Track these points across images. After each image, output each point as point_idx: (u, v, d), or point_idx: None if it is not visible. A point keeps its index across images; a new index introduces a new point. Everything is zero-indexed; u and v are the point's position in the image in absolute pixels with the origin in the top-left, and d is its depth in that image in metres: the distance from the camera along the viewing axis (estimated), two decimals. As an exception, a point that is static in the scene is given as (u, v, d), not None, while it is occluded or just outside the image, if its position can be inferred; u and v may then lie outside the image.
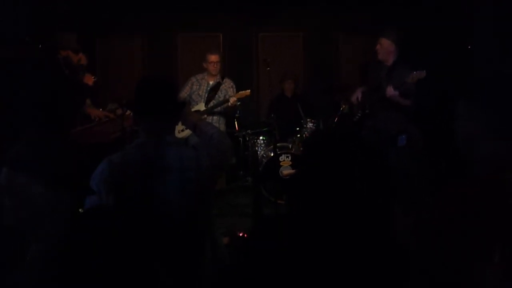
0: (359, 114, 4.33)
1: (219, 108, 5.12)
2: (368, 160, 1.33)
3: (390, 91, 3.88)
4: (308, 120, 5.57)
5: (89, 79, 4.17)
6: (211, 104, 5.12)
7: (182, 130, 4.74)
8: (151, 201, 1.84)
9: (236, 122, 5.59)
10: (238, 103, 5.24)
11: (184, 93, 5.08)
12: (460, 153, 1.37)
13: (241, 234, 3.85)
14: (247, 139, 5.50)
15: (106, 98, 5.28)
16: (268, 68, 4.57)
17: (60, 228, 2.43)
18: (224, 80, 5.23)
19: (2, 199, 2.77)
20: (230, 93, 5.16)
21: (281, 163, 5.10)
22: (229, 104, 4.97)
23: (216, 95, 5.14)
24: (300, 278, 1.28)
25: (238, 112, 5.49)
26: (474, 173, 1.35)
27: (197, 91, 5.15)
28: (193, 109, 4.94)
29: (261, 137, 5.55)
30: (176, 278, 1.88)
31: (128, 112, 4.03)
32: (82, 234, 1.18)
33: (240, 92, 5.04)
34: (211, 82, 5.19)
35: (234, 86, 5.22)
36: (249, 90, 5.05)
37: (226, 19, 6.82)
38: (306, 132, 5.51)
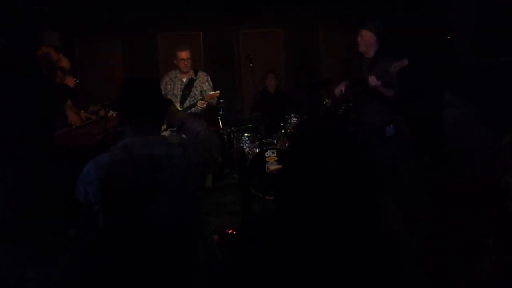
0: (343, 107, 4.35)
1: (192, 110, 4.95)
2: (354, 153, 1.32)
3: (373, 80, 3.90)
4: (292, 115, 5.58)
5: (70, 81, 4.10)
6: (186, 103, 4.98)
7: (165, 129, 4.69)
8: (140, 200, 1.82)
9: (220, 120, 5.57)
10: (221, 100, 5.19)
11: None
12: (447, 141, 1.39)
13: (230, 232, 3.83)
14: (232, 136, 5.48)
15: (87, 100, 5.20)
16: (251, 65, 4.56)
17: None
18: (198, 74, 5.06)
19: None
20: (205, 87, 5.00)
21: (266, 159, 5.10)
22: (199, 107, 4.82)
23: (191, 92, 4.99)
24: (292, 274, 1.28)
25: (221, 109, 5.46)
26: (462, 161, 1.37)
27: (171, 91, 4.98)
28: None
29: (245, 134, 5.54)
30: (171, 279, 1.87)
31: (111, 113, 3.98)
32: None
33: (209, 94, 4.87)
34: (184, 80, 5.02)
35: (209, 80, 5.06)
36: (218, 91, 4.90)
37: (207, 17, 6.78)
38: (290, 128, 5.52)
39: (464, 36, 4.04)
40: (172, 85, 5.02)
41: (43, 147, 2.98)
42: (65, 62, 4.38)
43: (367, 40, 4.10)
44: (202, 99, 4.83)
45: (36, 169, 2.76)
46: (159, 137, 1.94)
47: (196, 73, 5.09)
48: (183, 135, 2.24)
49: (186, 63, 4.95)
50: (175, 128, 2.22)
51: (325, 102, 5.59)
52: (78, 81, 4.08)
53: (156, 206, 1.82)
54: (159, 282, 1.82)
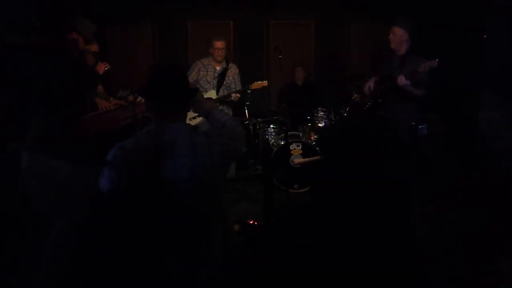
0: (370, 103, 4.29)
1: (228, 99, 5.11)
2: (393, 149, 1.31)
3: (402, 80, 3.84)
4: (319, 109, 5.53)
5: (101, 68, 4.17)
6: (221, 92, 5.11)
7: (194, 118, 4.74)
8: (163, 187, 1.84)
9: (246, 110, 5.58)
10: (249, 91, 5.22)
11: (191, 78, 5.06)
12: (482, 142, 1.35)
13: (251, 222, 3.85)
14: (258, 127, 5.48)
15: (117, 85, 5.28)
16: (280, 56, 4.53)
17: (84, 204, 2.46)
18: (230, 65, 5.22)
19: (28, 184, 2.80)
20: (236, 79, 5.19)
21: (291, 152, 5.08)
22: (232, 99, 5.04)
23: (224, 81, 5.13)
24: (315, 265, 1.27)
25: (248, 100, 5.47)
26: (496, 163, 1.33)
27: (204, 77, 5.13)
28: (204, 96, 4.93)
29: (271, 126, 5.53)
30: (187, 264, 1.89)
31: (140, 98, 4.03)
32: (99, 217, 1.17)
33: (256, 83, 5.03)
34: (217, 68, 5.17)
35: (238, 72, 5.24)
36: (266, 81, 5.05)
37: (237, 6, 6.76)
38: (317, 121, 5.48)
39: (501, 35, 3.92)
40: (206, 72, 5.15)
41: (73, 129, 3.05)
42: (94, 47, 4.46)
43: (399, 37, 4.02)
44: (237, 92, 5.05)
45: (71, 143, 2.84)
46: (183, 124, 1.95)
47: (228, 63, 5.22)
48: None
49: (221, 52, 5.09)
50: None
51: (353, 97, 5.52)
52: (108, 68, 4.15)
53: (176, 191, 1.83)
54: (176, 265, 1.84)
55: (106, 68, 4.18)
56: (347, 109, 5.51)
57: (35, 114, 2.89)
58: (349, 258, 1.27)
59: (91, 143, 2.90)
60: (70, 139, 2.78)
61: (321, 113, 5.51)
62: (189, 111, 2.10)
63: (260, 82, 5.03)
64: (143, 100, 4.09)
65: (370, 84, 4.33)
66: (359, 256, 1.27)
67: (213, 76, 5.15)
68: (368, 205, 1.30)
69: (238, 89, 5.14)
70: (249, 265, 1.41)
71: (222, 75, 5.13)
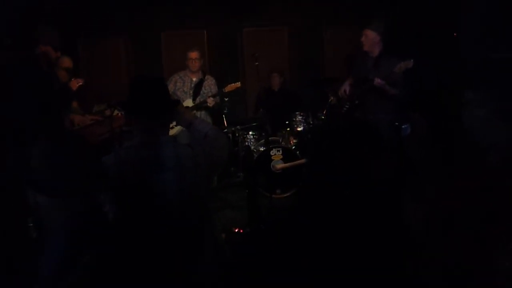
0: (347, 106, 4.34)
1: (205, 105, 5.11)
2: (376, 150, 1.32)
3: (378, 82, 3.92)
4: (296, 113, 5.57)
5: (74, 84, 4.10)
6: (198, 99, 5.11)
7: (171, 128, 4.71)
8: (150, 201, 1.82)
9: (224, 118, 5.57)
10: (226, 98, 5.23)
11: None
12: (468, 139, 1.38)
13: (236, 230, 3.84)
14: (237, 134, 5.48)
15: (91, 100, 5.21)
16: (257, 63, 4.55)
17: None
18: (206, 77, 5.26)
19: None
20: (213, 90, 5.20)
21: (272, 157, 5.10)
22: (208, 104, 5.04)
23: (201, 91, 5.15)
24: (306, 269, 1.27)
25: (226, 108, 5.47)
26: (482, 160, 1.36)
27: (181, 88, 5.17)
28: (181, 106, 4.91)
29: (250, 132, 5.53)
30: (179, 275, 1.87)
31: (116, 113, 3.98)
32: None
33: (230, 85, 5.05)
34: (194, 79, 5.22)
35: (215, 83, 5.26)
36: (239, 82, 5.07)
37: (210, 15, 6.77)
38: (295, 126, 5.51)
39: (472, 32, 4.02)
40: (182, 83, 5.18)
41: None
42: (67, 62, 4.39)
43: (371, 39, 4.10)
44: (212, 96, 5.04)
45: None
46: (167, 137, 1.93)
47: (204, 75, 5.26)
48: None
49: (195, 62, 5.15)
50: None
51: (330, 100, 5.58)
52: (82, 83, 4.09)
53: (163, 205, 1.82)
54: (167, 277, 1.82)
55: (79, 84, 4.12)
56: (324, 112, 5.56)
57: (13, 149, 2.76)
58: (340, 260, 1.27)
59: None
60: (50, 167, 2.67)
61: (299, 117, 5.54)
62: (171, 123, 2.09)
63: (233, 84, 5.06)
64: (119, 114, 4.06)
65: (346, 88, 4.39)
66: (350, 258, 1.28)
67: (189, 86, 5.18)
68: (353, 206, 1.31)
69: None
70: (239, 272, 1.40)
71: (198, 86, 5.16)
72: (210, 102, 5.01)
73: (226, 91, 5.05)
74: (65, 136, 2.62)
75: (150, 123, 1.89)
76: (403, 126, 3.91)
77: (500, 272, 1.15)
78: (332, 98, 5.51)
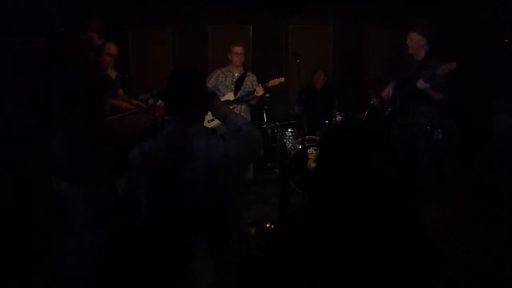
0: (390, 109, 4.27)
1: (247, 99, 5.15)
2: (392, 155, 1.32)
3: (421, 84, 3.82)
4: (337, 113, 5.54)
5: (113, 73, 4.26)
6: (239, 94, 5.16)
7: (212, 120, 4.79)
8: (180, 188, 1.89)
9: (264, 114, 5.61)
10: (267, 95, 5.26)
11: (209, 85, 5.13)
12: (498, 147, 1.36)
13: (268, 225, 3.88)
14: (276, 131, 5.51)
15: (138, 88, 5.38)
16: (298, 60, 4.55)
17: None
18: (248, 73, 5.28)
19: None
20: (254, 85, 5.20)
21: (309, 156, 5.09)
22: (256, 94, 5.00)
23: (242, 86, 5.19)
24: (326, 270, 1.28)
25: (266, 104, 5.50)
26: (510, 168, 1.33)
27: (223, 82, 5.22)
28: (222, 99, 4.99)
29: (289, 129, 5.54)
30: (203, 266, 1.93)
31: (160, 102, 4.10)
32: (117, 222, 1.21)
33: (273, 80, 5.04)
34: (236, 74, 5.25)
35: (256, 80, 5.26)
36: (283, 78, 5.06)
37: (256, 11, 6.82)
38: (336, 125, 5.48)
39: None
40: (224, 77, 5.23)
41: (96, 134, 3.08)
42: (112, 48, 4.55)
43: (416, 42, 4.01)
44: (261, 86, 5.01)
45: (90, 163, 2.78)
46: (200, 127, 1.99)
47: (246, 71, 5.30)
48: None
49: (239, 57, 5.17)
50: None
51: (372, 102, 5.51)
52: (127, 76, 4.23)
53: (193, 193, 1.88)
54: (192, 265, 1.88)
55: (118, 74, 4.26)
56: (365, 113, 5.50)
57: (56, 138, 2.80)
58: (364, 260, 1.28)
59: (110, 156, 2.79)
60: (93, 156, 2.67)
61: (339, 117, 5.51)
62: (206, 115, 2.15)
63: (276, 79, 5.05)
64: (162, 104, 4.18)
65: (390, 90, 4.31)
66: (374, 258, 1.28)
67: (231, 81, 5.22)
68: (375, 208, 1.31)
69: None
70: (265, 267, 1.43)
71: (240, 80, 5.20)
72: (260, 91, 4.97)
73: (269, 85, 5.04)
74: (94, 125, 2.70)
75: (185, 114, 1.96)
76: (435, 130, 3.81)
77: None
78: (374, 99, 5.44)
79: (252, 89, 5.07)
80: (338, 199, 1.30)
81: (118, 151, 2.19)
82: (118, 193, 1.94)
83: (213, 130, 4.62)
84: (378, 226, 1.30)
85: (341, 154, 1.33)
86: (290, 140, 5.47)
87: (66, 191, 2.61)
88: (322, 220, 1.35)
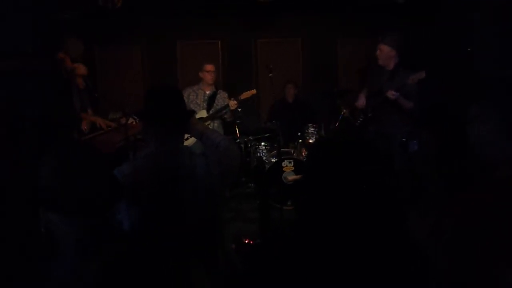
0: (361, 118, 4.34)
1: (220, 114, 5.13)
2: (375, 165, 1.32)
3: (391, 94, 3.91)
4: (309, 125, 5.58)
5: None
6: (212, 111, 5.14)
7: (187, 139, 4.74)
8: (164, 209, 1.84)
9: (237, 128, 5.59)
10: (239, 109, 5.25)
11: None
12: (474, 155, 1.38)
13: (247, 241, 3.84)
14: (249, 145, 5.49)
15: (107, 107, 5.28)
16: (271, 74, 4.58)
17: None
18: (219, 91, 5.30)
19: None
20: (225, 102, 5.21)
21: (284, 169, 5.10)
22: (230, 107, 5.01)
23: (214, 104, 5.17)
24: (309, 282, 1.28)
25: (239, 118, 5.50)
26: (488, 176, 1.36)
27: (194, 100, 5.19)
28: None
29: (262, 143, 5.54)
30: (192, 283, 1.88)
31: (131, 121, 4.03)
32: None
33: (245, 92, 5.06)
34: (207, 92, 5.25)
35: (228, 97, 5.26)
36: (254, 90, 5.08)
37: (225, 26, 6.84)
38: (307, 137, 5.51)
39: (486, 47, 4.01)
40: (195, 96, 5.21)
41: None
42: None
43: (386, 54, 4.10)
44: (233, 99, 5.03)
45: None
46: (182, 147, 1.96)
47: (217, 89, 5.31)
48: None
49: (211, 75, 5.20)
50: None
51: (342, 113, 5.58)
52: (96, 95, 4.17)
53: (178, 214, 1.84)
54: (181, 283, 1.84)
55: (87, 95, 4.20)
56: (336, 124, 5.56)
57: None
58: (349, 272, 1.28)
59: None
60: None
61: (311, 129, 5.55)
62: (186, 133, 2.11)
63: (248, 91, 5.07)
64: (134, 122, 4.10)
65: (362, 100, 4.38)
66: (359, 270, 1.28)
67: (202, 99, 5.21)
68: (358, 221, 1.30)
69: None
70: (248, 282, 1.41)
71: (211, 98, 5.18)
72: (233, 104, 4.99)
73: (241, 98, 5.05)
74: (77, 147, 2.61)
75: (166, 132, 1.91)
76: (410, 142, 3.90)
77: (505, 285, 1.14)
78: (344, 110, 5.51)
79: (224, 104, 5.07)
80: (327, 210, 1.29)
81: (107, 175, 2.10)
82: (115, 219, 1.85)
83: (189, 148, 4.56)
84: (364, 235, 1.30)
85: (330, 166, 1.32)
86: (263, 153, 5.47)
87: (56, 224, 2.51)
88: (311, 233, 1.34)
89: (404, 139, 3.95)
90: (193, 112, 2.17)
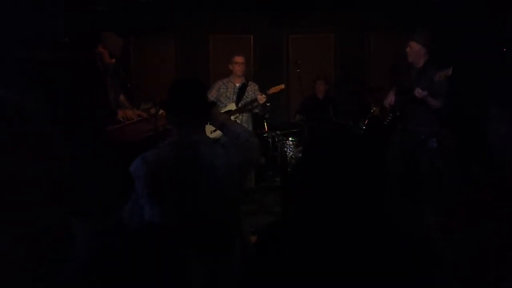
0: (390, 117, 4.29)
1: (249, 107, 5.16)
2: (369, 162, 1.31)
3: (418, 92, 3.85)
4: (338, 122, 5.56)
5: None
6: (241, 103, 5.18)
7: (215, 131, 4.81)
8: (184, 197, 1.90)
9: (265, 123, 5.63)
10: (268, 104, 5.28)
11: (211, 96, 5.16)
12: (492, 155, 1.36)
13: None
14: (276, 140, 5.53)
15: (140, 98, 5.40)
16: (298, 70, 4.59)
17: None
18: (249, 82, 5.30)
19: None
20: (256, 94, 5.20)
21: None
22: (259, 101, 5.01)
23: (244, 96, 5.21)
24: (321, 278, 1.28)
25: (267, 113, 5.53)
26: (506, 176, 1.34)
27: (224, 93, 5.23)
28: (224, 110, 5.01)
29: (290, 138, 5.56)
30: (205, 273, 1.94)
31: (161, 111, 4.12)
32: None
33: (274, 87, 5.06)
34: (237, 84, 5.26)
35: (258, 89, 5.26)
36: (283, 84, 5.07)
37: (257, 20, 6.87)
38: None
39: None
40: (225, 89, 5.24)
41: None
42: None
43: (416, 51, 4.03)
44: (262, 93, 5.03)
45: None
46: (203, 137, 2.02)
47: (247, 81, 5.32)
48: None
49: (240, 66, 5.21)
50: None
51: (372, 110, 5.52)
52: (129, 85, 4.26)
53: (197, 201, 1.90)
54: (194, 274, 1.89)
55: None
56: (365, 122, 5.51)
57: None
58: (359, 265, 1.28)
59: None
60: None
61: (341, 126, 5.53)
62: (207, 124, 2.17)
63: (277, 86, 5.07)
64: (164, 113, 4.19)
65: (391, 97, 4.33)
66: (368, 263, 1.28)
67: (232, 92, 5.23)
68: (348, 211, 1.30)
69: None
70: (263, 274, 1.44)
71: (241, 90, 5.21)
72: (261, 98, 4.99)
73: (270, 93, 5.06)
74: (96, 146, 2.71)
75: (187, 123, 1.98)
76: (430, 139, 3.83)
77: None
78: (374, 108, 5.45)
79: (254, 98, 5.09)
80: (325, 207, 1.30)
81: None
82: (123, 218, 1.93)
83: (216, 140, 4.62)
84: (373, 231, 1.30)
85: (326, 163, 1.33)
86: (291, 148, 5.49)
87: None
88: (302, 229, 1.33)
89: (423, 136, 3.90)
90: (215, 104, 2.22)
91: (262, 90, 5.21)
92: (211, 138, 2.12)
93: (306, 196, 1.34)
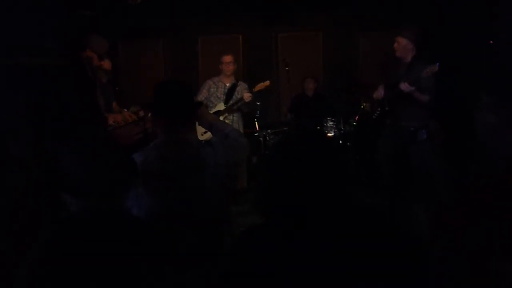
0: (378, 111, 4.32)
1: (238, 105, 5.14)
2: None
3: (405, 86, 3.88)
4: (328, 119, 5.57)
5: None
6: (231, 103, 5.18)
7: (206, 132, 4.80)
8: (171, 198, 1.89)
9: (256, 122, 5.63)
10: (258, 103, 5.28)
11: (201, 96, 5.16)
12: (480, 144, 1.36)
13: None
14: (268, 139, 5.52)
15: (128, 100, 5.38)
16: (287, 68, 4.59)
17: None
18: (239, 82, 5.31)
19: None
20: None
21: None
22: (245, 100, 4.99)
23: (233, 96, 5.20)
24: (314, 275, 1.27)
25: (258, 112, 5.53)
26: (494, 165, 1.34)
27: (215, 93, 5.23)
28: (213, 110, 5.01)
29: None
30: (193, 275, 1.93)
31: (150, 114, 4.11)
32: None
33: (259, 84, 5.06)
34: (227, 84, 5.27)
35: (247, 89, 5.25)
36: (268, 81, 5.07)
37: (246, 20, 6.87)
38: (326, 131, 5.50)
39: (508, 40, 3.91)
40: (216, 88, 5.25)
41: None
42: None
43: (403, 46, 4.07)
44: (248, 92, 5.04)
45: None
46: (189, 137, 2.01)
47: (237, 81, 5.33)
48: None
49: (229, 66, 5.22)
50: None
51: (362, 106, 5.54)
52: (118, 88, 4.24)
53: (184, 202, 1.89)
54: (181, 275, 1.88)
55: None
56: (356, 118, 5.53)
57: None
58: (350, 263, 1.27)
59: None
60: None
61: (330, 123, 5.54)
62: (194, 124, 2.16)
63: (262, 83, 5.07)
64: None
65: (381, 91, 4.35)
66: (359, 261, 1.27)
67: (222, 91, 5.24)
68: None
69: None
70: (253, 274, 1.42)
71: (231, 90, 5.21)
72: (247, 97, 4.98)
73: (255, 90, 5.05)
74: (100, 136, 2.70)
75: (173, 124, 1.97)
76: (419, 131, 3.86)
77: (509, 283, 1.14)
78: (365, 104, 5.48)
79: (240, 97, 5.09)
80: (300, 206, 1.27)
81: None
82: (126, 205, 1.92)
83: (207, 141, 4.61)
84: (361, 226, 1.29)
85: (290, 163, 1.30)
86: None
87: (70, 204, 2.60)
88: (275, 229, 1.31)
89: (412, 129, 3.92)
90: (201, 104, 2.22)
91: (252, 86, 5.21)
92: (198, 138, 2.11)
93: (270, 197, 1.32)
